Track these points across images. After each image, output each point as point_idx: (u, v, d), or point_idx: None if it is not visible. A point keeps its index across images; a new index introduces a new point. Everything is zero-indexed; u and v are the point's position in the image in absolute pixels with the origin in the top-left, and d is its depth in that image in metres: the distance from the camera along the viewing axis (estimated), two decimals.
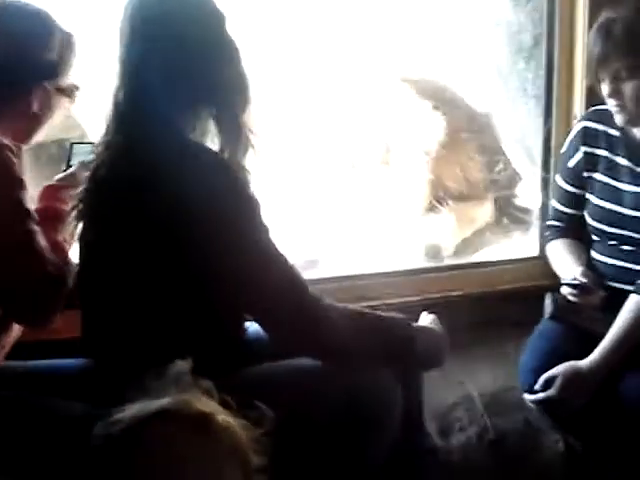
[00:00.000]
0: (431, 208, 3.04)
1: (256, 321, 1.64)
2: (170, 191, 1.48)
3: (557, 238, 2.27)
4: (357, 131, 3.09)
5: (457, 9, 2.94)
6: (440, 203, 3.03)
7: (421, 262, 2.79)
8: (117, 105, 1.58)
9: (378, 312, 1.74)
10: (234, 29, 1.63)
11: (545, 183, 2.56)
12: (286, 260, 1.58)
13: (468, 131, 3.10)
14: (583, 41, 2.35)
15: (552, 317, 2.07)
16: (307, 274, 1.82)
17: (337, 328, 1.59)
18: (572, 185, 2.22)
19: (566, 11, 2.41)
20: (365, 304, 2.06)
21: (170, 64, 1.55)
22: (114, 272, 1.58)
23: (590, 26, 2.10)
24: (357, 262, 2.73)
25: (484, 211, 3.18)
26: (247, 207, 1.55)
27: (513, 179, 3.49)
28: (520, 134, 2.85)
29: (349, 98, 3.09)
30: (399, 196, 3.04)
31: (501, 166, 3.34)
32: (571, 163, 2.21)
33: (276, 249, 1.58)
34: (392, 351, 1.67)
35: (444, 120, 2.97)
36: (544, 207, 2.54)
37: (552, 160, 2.53)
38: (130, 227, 1.54)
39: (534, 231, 2.79)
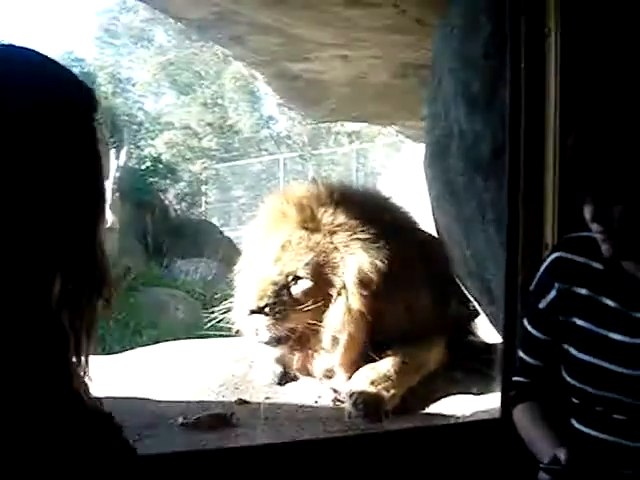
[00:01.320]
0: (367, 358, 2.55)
1: None
2: None
3: (524, 400, 1.78)
4: None
5: None
6: (379, 349, 2.54)
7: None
8: None
9: None
10: None
11: (509, 328, 2.06)
12: None
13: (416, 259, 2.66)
14: (555, 150, 1.92)
15: None
16: None
17: None
18: (543, 332, 1.75)
19: (534, 114, 1.98)
20: None
21: None
22: None
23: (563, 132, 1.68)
24: None
25: (436, 353, 2.70)
26: None
27: (469, 318, 3.05)
28: (476, 266, 2.38)
29: None
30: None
31: (454, 302, 2.90)
32: (542, 304, 1.74)
33: None
34: None
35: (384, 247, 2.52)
36: (507, 358, 2.04)
37: (518, 299, 2.04)
38: None
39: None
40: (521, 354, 1.84)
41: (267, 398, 2.59)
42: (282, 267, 2.55)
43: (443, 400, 2.58)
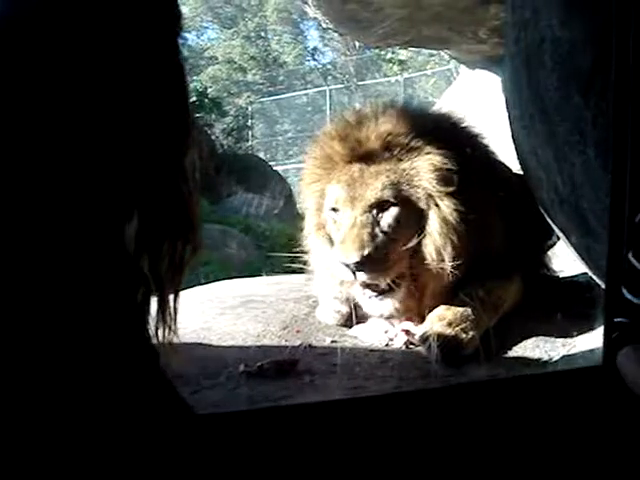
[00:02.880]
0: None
1: None
2: None
3: (629, 343, 1.59)
4: None
5: None
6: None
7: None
8: None
9: None
10: None
11: (614, 264, 1.82)
12: None
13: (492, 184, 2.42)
14: None
15: None
16: None
17: None
18: None
19: None
20: None
21: None
22: None
23: None
24: None
25: (513, 288, 2.48)
26: None
27: (545, 251, 2.83)
28: (569, 193, 2.12)
29: None
30: None
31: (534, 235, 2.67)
32: None
33: None
34: None
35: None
36: (611, 296, 1.81)
37: (624, 231, 1.79)
38: None
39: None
40: (625, 293, 1.65)
41: (333, 342, 2.40)
42: (364, 203, 2.31)
43: (524, 342, 2.37)
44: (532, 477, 1.86)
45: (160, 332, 1.10)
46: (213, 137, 12.30)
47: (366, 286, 2.30)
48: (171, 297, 1.13)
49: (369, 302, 2.34)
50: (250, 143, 14.79)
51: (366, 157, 2.35)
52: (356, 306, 2.43)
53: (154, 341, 1.09)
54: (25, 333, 0.95)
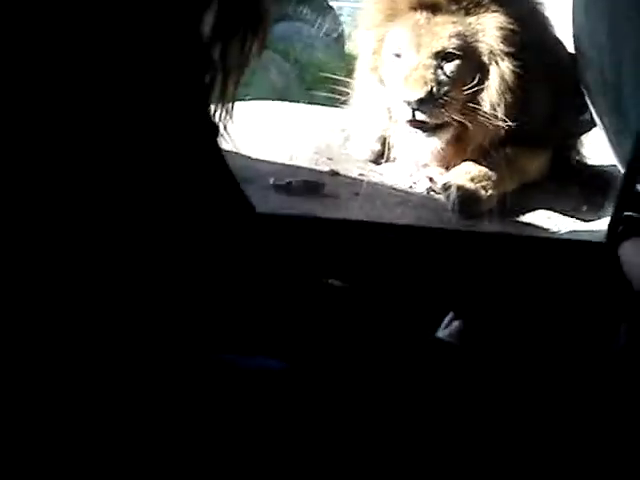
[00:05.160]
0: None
1: None
2: None
3: (634, 236, 1.67)
4: None
5: None
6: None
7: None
8: None
9: None
10: None
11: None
12: None
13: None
14: None
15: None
16: None
17: None
18: None
19: None
20: None
21: None
22: None
23: None
24: None
25: (539, 162, 2.58)
26: None
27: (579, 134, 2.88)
28: (615, 75, 2.16)
29: None
30: None
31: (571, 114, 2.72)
32: None
33: None
34: None
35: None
36: (627, 185, 1.90)
37: None
38: None
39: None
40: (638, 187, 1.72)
41: (361, 175, 2.52)
42: (429, 50, 2.37)
43: (537, 212, 2.49)
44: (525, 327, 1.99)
45: (218, 113, 1.23)
46: None
47: (417, 125, 2.39)
48: (232, 85, 1.26)
49: (413, 140, 2.44)
50: None
51: (432, 6, 2.39)
52: (389, 146, 2.54)
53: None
54: None
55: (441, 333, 1.49)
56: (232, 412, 1.27)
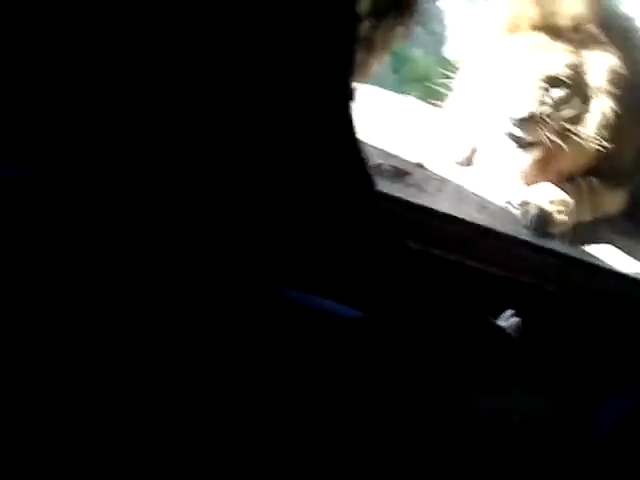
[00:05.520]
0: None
1: None
2: None
3: None
4: None
5: None
6: None
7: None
8: None
9: None
10: None
11: None
12: None
13: None
14: None
15: None
16: None
17: None
18: None
19: None
20: None
21: None
22: None
23: None
24: None
25: (618, 199, 2.68)
26: None
27: None
28: None
29: None
30: None
31: None
32: None
33: None
34: None
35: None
36: None
37: None
38: None
39: None
40: None
41: (445, 173, 2.62)
42: (541, 71, 2.46)
43: (604, 246, 2.56)
44: None
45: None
46: None
47: (512, 138, 2.49)
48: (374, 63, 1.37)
49: (504, 152, 2.53)
50: None
51: (554, 30, 2.48)
52: (477, 152, 2.64)
53: None
54: None
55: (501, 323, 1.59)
56: (291, 350, 1.37)
